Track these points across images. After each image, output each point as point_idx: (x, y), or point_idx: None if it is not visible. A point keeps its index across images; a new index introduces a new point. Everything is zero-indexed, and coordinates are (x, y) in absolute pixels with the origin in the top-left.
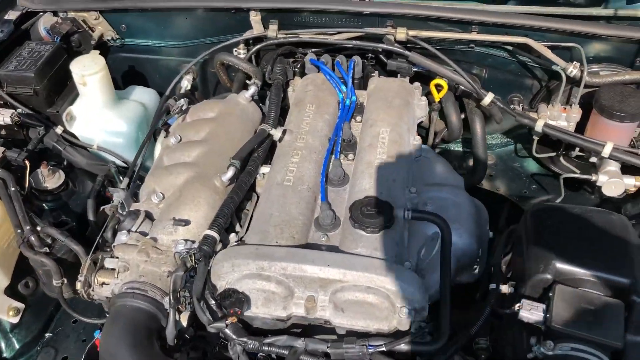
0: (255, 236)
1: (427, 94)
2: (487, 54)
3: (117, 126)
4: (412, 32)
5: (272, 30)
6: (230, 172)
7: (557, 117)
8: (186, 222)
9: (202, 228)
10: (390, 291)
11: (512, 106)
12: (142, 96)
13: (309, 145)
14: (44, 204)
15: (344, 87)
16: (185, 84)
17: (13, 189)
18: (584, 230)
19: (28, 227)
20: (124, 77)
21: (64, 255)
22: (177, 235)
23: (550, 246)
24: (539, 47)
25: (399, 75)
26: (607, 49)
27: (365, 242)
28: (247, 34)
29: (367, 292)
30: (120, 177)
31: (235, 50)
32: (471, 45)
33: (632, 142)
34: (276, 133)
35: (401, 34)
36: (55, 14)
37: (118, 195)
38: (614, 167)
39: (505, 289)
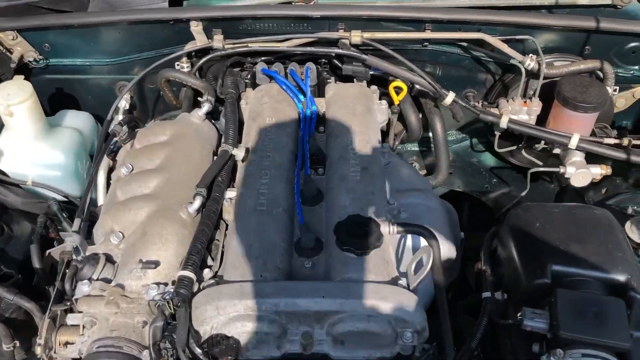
0: (235, 271)
1: (383, 95)
2: (441, 52)
3: (52, 158)
4: (366, 35)
5: (218, 41)
6: (198, 202)
7: (519, 111)
8: (156, 264)
9: (173, 268)
10: (391, 317)
11: (471, 103)
12: (76, 121)
13: (277, 163)
14: None
15: (301, 96)
16: (123, 104)
17: None
18: (572, 229)
19: None
20: (52, 101)
21: (13, 314)
22: (147, 280)
23: (542, 249)
24: (495, 41)
25: (355, 79)
26: (556, 39)
27: (356, 265)
28: (190, 46)
29: (367, 321)
30: (64, 215)
31: (178, 65)
32: (425, 43)
33: (592, 131)
34: (239, 153)
35: (356, 37)
36: None
37: (71, 239)
38: (579, 157)
39: (498, 295)
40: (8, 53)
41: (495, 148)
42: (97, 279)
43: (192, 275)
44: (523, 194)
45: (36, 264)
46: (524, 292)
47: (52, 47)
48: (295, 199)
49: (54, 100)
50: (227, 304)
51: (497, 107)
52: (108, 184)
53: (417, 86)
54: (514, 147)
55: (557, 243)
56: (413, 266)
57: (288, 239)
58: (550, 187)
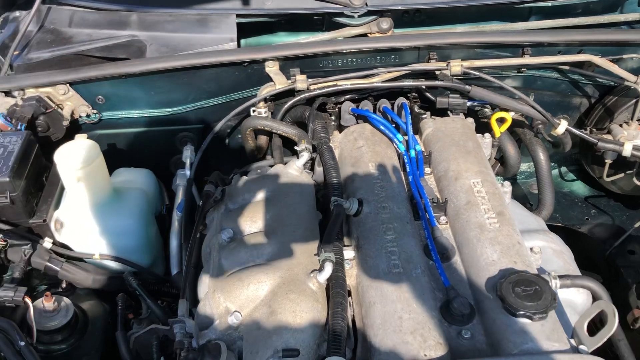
0: (392, 351)
1: None
2: (537, 77)
3: (121, 225)
4: (466, 64)
5: (302, 81)
6: (328, 269)
7: (635, 136)
8: (297, 351)
9: (312, 352)
10: None
11: (582, 131)
12: (138, 180)
13: (397, 215)
14: (52, 349)
15: (399, 136)
16: (189, 156)
17: (23, 343)
18: None
19: None
20: (106, 158)
21: None
22: None
23: None
24: (603, 62)
25: (449, 113)
26: None
27: (534, 333)
28: (269, 89)
29: None
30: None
31: (254, 111)
32: (522, 69)
33: None
34: (352, 206)
35: (456, 66)
36: (7, 93)
37: (181, 326)
38: None
39: None
40: (59, 109)
41: (604, 177)
42: None
43: None
44: (637, 224)
45: (125, 355)
46: None
47: (107, 99)
48: (433, 256)
49: (108, 157)
50: None
51: (607, 133)
52: None
53: (512, 115)
54: (622, 175)
55: None
56: (586, 325)
57: (435, 306)
58: None
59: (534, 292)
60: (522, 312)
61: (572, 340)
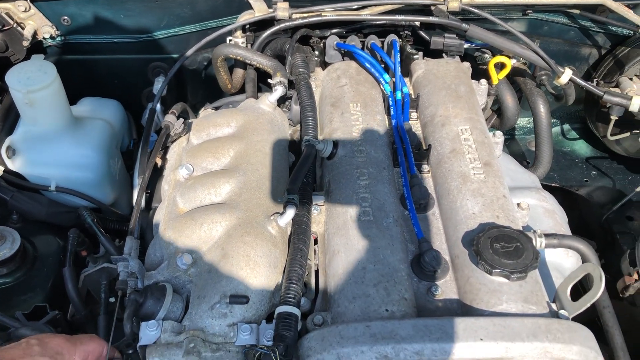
0: (352, 304)
1: None
2: (544, 21)
3: (80, 156)
4: (465, 0)
5: (283, 10)
6: (290, 213)
7: None
8: (246, 297)
9: (265, 300)
10: None
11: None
12: (103, 110)
13: (374, 160)
14: None
15: (386, 76)
16: (159, 87)
17: None
18: None
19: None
20: (71, 86)
21: None
22: (234, 317)
23: None
24: (619, 7)
25: (444, 54)
26: None
27: (510, 293)
28: (247, 17)
29: None
30: (100, 227)
31: (231, 40)
32: (528, 11)
33: None
34: (326, 148)
35: (454, 2)
36: None
37: (125, 264)
38: None
39: None
40: (19, 28)
41: (608, 136)
42: (163, 318)
43: (297, 311)
44: (638, 189)
45: (71, 292)
46: None
47: (73, 20)
48: (408, 205)
49: (74, 86)
50: (353, 352)
51: (616, 86)
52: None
53: (514, 62)
54: (627, 134)
55: None
56: (569, 289)
57: (405, 259)
58: None
59: (514, 250)
60: (498, 270)
61: (553, 305)
